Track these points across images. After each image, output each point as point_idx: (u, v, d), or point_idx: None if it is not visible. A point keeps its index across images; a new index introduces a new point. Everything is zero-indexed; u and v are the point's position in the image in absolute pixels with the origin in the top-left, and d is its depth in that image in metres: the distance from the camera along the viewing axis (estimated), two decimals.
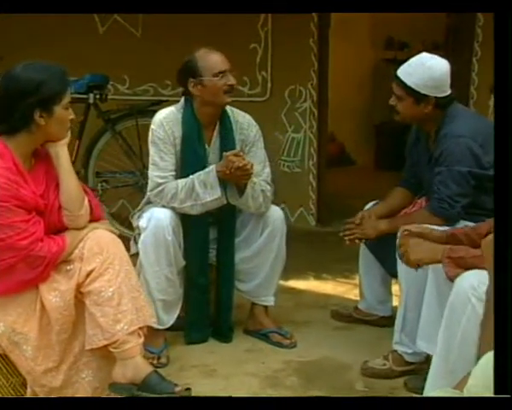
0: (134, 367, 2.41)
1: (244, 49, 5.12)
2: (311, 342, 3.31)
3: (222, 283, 3.29)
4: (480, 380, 1.48)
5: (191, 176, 3.06)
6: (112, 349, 2.41)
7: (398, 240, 2.72)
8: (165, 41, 5.13)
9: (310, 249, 4.77)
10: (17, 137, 2.39)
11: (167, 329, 3.20)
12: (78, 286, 2.42)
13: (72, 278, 2.42)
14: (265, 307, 3.37)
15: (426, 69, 2.89)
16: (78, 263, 2.43)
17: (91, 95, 4.45)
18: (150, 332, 3.10)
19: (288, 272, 4.13)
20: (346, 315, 3.55)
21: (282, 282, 4.03)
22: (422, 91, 2.90)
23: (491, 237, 1.71)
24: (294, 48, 5.07)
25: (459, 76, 5.12)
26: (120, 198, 5.08)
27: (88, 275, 2.41)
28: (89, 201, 2.57)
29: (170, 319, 3.16)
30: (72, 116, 2.48)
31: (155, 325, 3.09)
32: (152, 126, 3.15)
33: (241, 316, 3.45)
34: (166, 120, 3.12)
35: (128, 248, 3.23)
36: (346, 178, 6.77)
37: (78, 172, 4.44)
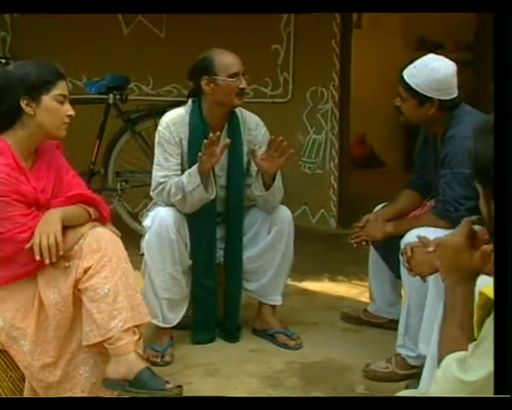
0: (127, 363, 2.43)
1: (266, 50, 5.16)
2: (318, 343, 3.30)
3: (230, 282, 3.30)
4: (441, 384, 1.46)
5: None
6: (106, 345, 2.43)
7: (401, 247, 2.70)
8: (188, 42, 5.17)
9: (328, 251, 4.76)
10: (15, 133, 2.45)
11: (174, 327, 3.22)
12: (76, 283, 2.44)
13: (70, 274, 2.46)
14: (273, 306, 3.37)
15: (429, 71, 2.85)
16: (77, 260, 2.47)
17: (111, 95, 4.51)
18: (155, 330, 3.16)
19: (302, 273, 4.17)
20: (356, 317, 3.53)
21: (295, 283, 4.06)
22: (425, 93, 2.86)
23: (443, 239, 1.68)
24: (316, 49, 5.07)
25: (488, 75, 5.06)
26: (144, 198, 5.13)
27: (85, 272, 2.43)
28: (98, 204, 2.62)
29: (175, 318, 3.18)
30: (70, 112, 2.51)
31: (160, 324, 3.14)
32: (158, 128, 3.18)
33: (250, 316, 3.45)
34: (172, 122, 3.14)
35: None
36: (373, 180, 6.73)
37: (98, 172, 4.59)
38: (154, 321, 3.12)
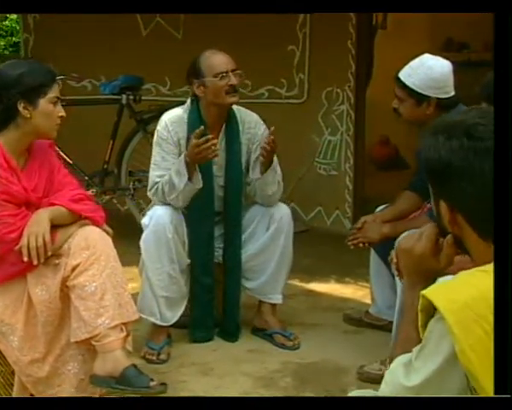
0: (113, 361, 2.46)
1: (282, 51, 5.14)
2: (316, 344, 3.30)
3: (228, 281, 3.31)
4: (390, 386, 1.45)
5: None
6: (93, 342, 2.47)
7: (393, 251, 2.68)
8: (205, 43, 5.18)
9: (340, 252, 4.70)
10: (7, 132, 2.48)
11: (173, 326, 3.24)
12: (64, 280, 2.48)
13: (58, 272, 2.50)
14: (273, 305, 3.37)
15: (425, 69, 2.85)
16: (65, 258, 2.50)
17: (124, 96, 4.56)
18: (153, 328, 3.19)
19: (310, 274, 4.16)
20: (357, 319, 3.52)
21: (302, 283, 4.05)
22: (423, 92, 2.86)
23: (407, 245, 1.67)
24: (332, 50, 5.03)
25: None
26: None
27: (73, 269, 2.47)
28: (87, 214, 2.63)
29: (173, 316, 3.20)
30: (61, 113, 2.53)
31: (158, 322, 3.16)
32: (157, 127, 3.21)
33: (250, 316, 3.46)
34: (171, 121, 3.17)
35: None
36: (393, 181, 6.65)
37: (111, 172, 4.65)
38: (152, 319, 3.16)
